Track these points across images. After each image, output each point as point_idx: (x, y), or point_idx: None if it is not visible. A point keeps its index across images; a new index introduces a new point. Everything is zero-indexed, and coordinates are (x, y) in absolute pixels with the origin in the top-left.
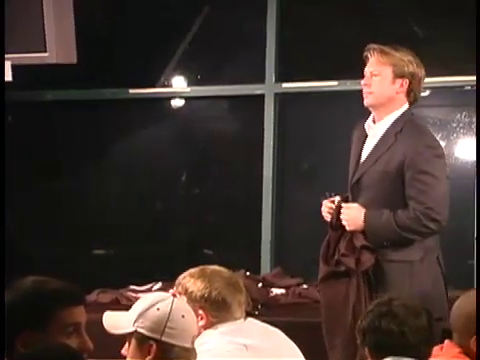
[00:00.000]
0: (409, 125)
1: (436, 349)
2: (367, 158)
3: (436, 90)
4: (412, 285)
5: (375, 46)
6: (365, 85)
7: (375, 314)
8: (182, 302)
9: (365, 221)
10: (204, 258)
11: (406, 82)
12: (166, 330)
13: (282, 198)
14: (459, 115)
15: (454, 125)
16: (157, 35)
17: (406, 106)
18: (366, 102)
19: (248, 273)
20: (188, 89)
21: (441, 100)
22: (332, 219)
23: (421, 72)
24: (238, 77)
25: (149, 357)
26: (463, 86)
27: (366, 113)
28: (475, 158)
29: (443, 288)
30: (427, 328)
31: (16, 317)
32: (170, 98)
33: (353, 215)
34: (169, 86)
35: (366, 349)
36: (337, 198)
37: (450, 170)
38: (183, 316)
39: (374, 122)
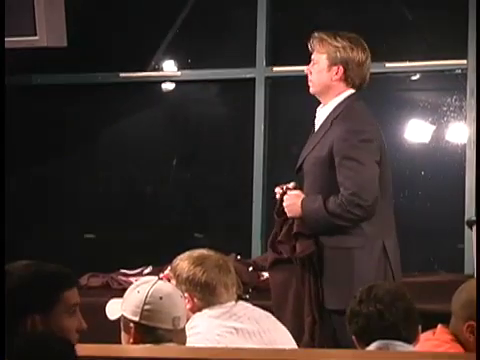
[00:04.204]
0: (345, 111)
1: (428, 334)
2: (307, 145)
3: (426, 74)
4: (352, 272)
5: (316, 34)
6: (308, 73)
7: (356, 300)
8: (164, 284)
9: (301, 207)
10: (195, 242)
11: (340, 69)
12: (143, 312)
13: (273, 182)
14: (449, 99)
15: (444, 109)
16: (148, 19)
17: (349, 92)
18: (310, 90)
19: (239, 257)
20: (179, 73)
21: (431, 84)
22: (277, 205)
23: (358, 56)
24: (229, 61)
25: (131, 340)
26: (453, 70)
27: None
28: (465, 142)
29: (389, 277)
30: (407, 308)
31: (22, 301)
32: (161, 82)
33: (292, 201)
34: (160, 70)
35: (353, 337)
36: (290, 184)
37: (441, 154)
38: (161, 298)
39: None
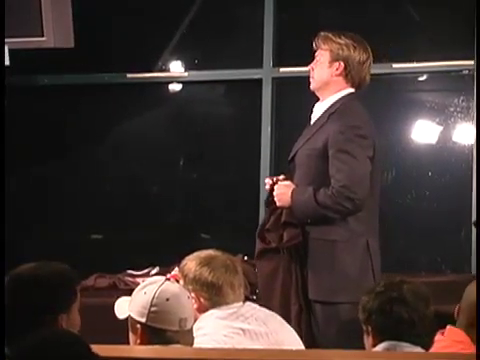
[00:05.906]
0: (343, 107)
1: (437, 334)
2: (301, 138)
3: (433, 75)
4: (333, 265)
5: (322, 33)
6: (310, 70)
7: (386, 297)
8: (171, 285)
9: (291, 197)
10: (201, 243)
11: (341, 65)
12: (150, 314)
13: None
14: (456, 100)
15: (452, 109)
16: (154, 19)
17: (348, 90)
18: (311, 86)
19: (246, 258)
20: (185, 73)
21: (438, 85)
22: (266, 195)
23: (360, 55)
24: (236, 61)
25: (138, 341)
26: (460, 70)
27: (364, 97)
28: (473, 142)
29: (369, 275)
30: (433, 318)
31: (49, 302)
32: (167, 83)
33: (282, 191)
34: (166, 70)
35: (369, 328)
36: (280, 176)
37: (448, 154)
38: (167, 299)
39: None
